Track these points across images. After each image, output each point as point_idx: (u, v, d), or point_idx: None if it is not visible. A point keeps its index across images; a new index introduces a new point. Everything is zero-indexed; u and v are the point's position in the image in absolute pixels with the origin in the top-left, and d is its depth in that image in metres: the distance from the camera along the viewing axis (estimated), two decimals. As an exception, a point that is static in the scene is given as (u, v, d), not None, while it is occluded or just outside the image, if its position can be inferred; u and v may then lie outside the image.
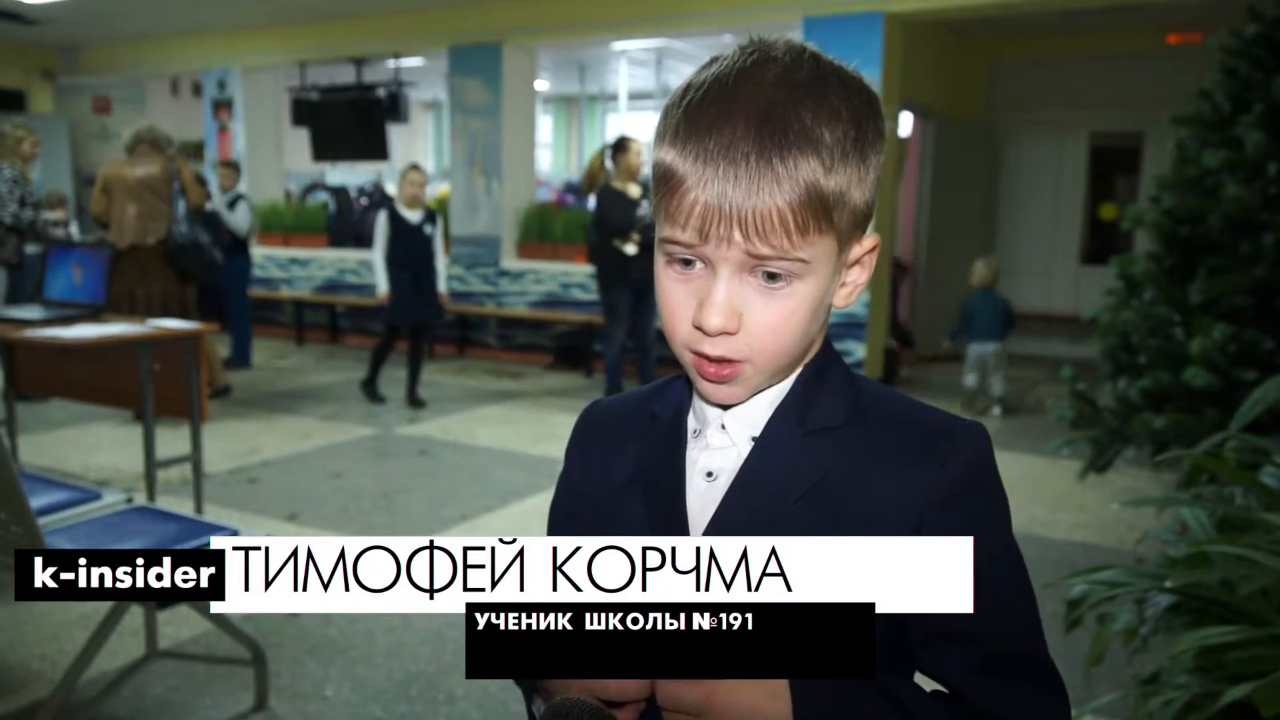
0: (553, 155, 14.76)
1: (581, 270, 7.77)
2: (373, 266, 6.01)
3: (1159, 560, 1.84)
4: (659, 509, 0.78)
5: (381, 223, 5.86)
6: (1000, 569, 0.74)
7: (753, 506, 0.74)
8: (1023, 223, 8.78)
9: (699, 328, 0.70)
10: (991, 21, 7.60)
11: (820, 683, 0.69)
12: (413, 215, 5.87)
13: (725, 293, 0.69)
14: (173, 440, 4.19)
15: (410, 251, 5.85)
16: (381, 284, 5.88)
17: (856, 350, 6.63)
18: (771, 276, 0.69)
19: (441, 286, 6.04)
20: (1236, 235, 3.12)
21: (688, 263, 0.71)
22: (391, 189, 11.69)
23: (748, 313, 0.70)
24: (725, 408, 0.77)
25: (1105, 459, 3.39)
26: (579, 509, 0.87)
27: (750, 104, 0.68)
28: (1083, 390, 3.50)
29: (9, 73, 10.50)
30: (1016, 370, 8.08)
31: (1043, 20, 7.50)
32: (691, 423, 0.80)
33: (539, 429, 5.53)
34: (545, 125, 14.26)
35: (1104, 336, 3.53)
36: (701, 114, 0.69)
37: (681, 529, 0.76)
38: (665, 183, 0.70)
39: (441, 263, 6.02)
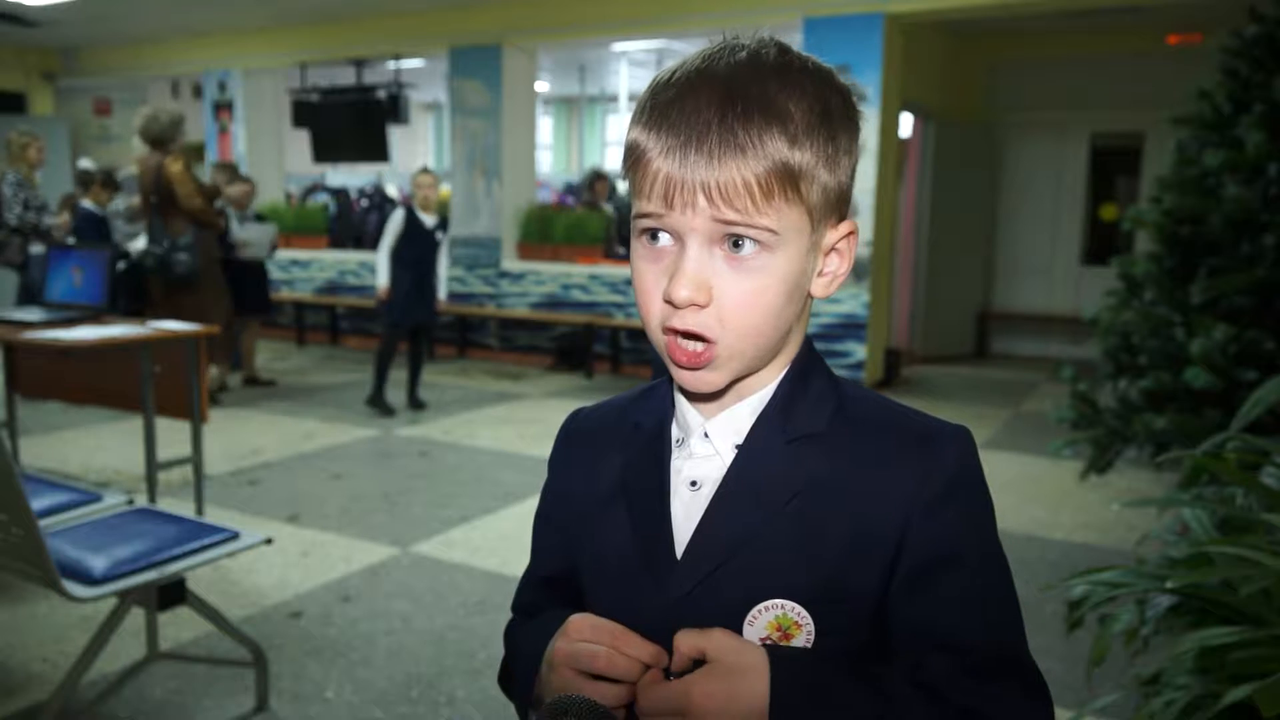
0: (553, 156, 14.77)
1: (581, 271, 7.77)
2: (375, 262, 6.00)
3: (1160, 561, 1.84)
4: (643, 519, 0.77)
5: (396, 220, 5.84)
6: (985, 572, 0.73)
7: (737, 515, 0.73)
8: (1023, 223, 8.78)
9: (669, 301, 0.69)
10: (991, 22, 7.61)
11: (800, 661, 0.69)
12: (429, 219, 5.87)
13: (694, 264, 0.68)
14: (173, 442, 4.19)
15: (419, 254, 5.84)
16: (382, 278, 5.85)
17: (857, 351, 6.63)
18: (738, 244, 0.68)
19: (442, 293, 6.03)
20: (1237, 236, 3.11)
21: (655, 236, 0.71)
22: (392, 191, 11.72)
23: (718, 286, 0.69)
24: (707, 400, 0.76)
25: (1106, 460, 3.39)
26: (563, 519, 0.86)
27: (715, 79, 0.68)
28: (1083, 391, 3.49)
29: (9, 74, 10.50)
30: (1017, 370, 8.08)
31: (1043, 21, 7.50)
32: (675, 432, 0.79)
33: (540, 430, 5.53)
34: (545, 126, 14.27)
35: (1104, 337, 3.52)
36: (667, 91, 0.69)
37: (666, 539, 0.75)
38: (630, 157, 0.71)
39: (444, 267, 6.02)
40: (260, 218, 7.17)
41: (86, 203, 6.04)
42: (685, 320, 0.69)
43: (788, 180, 0.68)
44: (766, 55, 0.70)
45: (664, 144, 0.68)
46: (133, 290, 5.77)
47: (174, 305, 5.46)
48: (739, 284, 0.69)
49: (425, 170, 5.97)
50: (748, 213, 0.67)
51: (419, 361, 6.17)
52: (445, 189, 9.31)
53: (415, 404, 6.14)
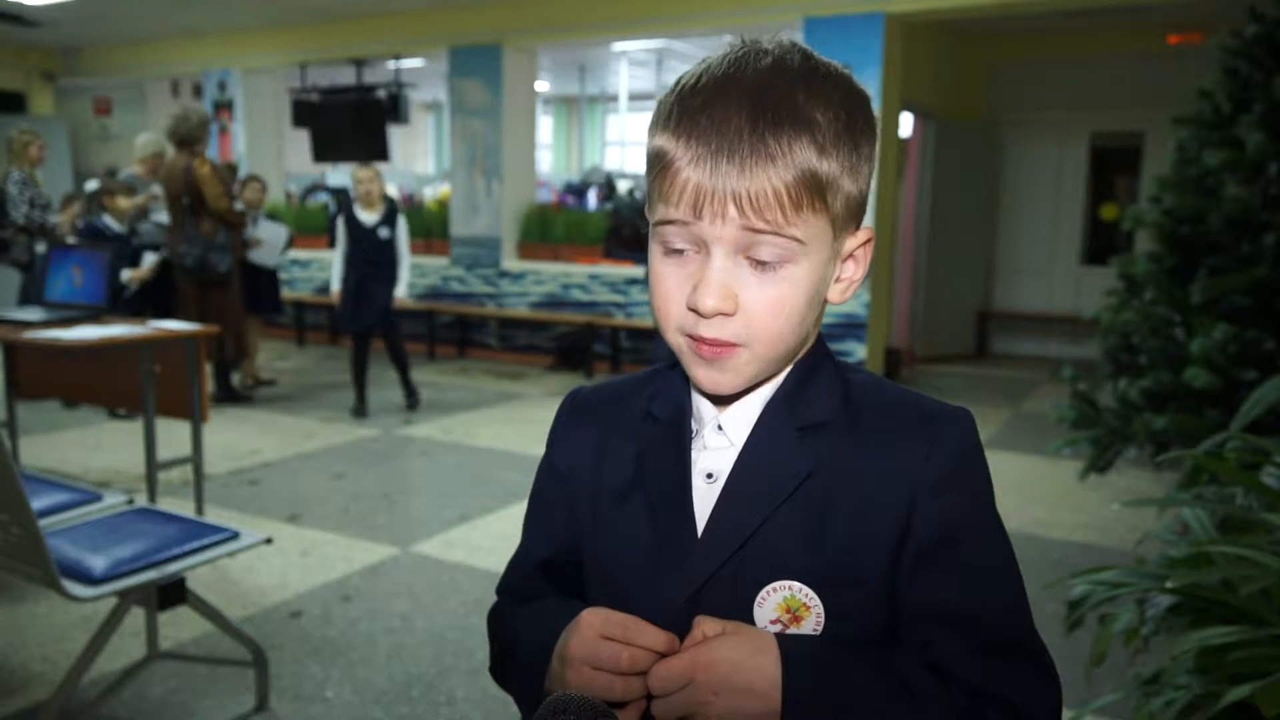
0: (553, 156, 14.77)
1: (581, 271, 7.77)
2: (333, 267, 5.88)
3: (1160, 561, 1.84)
4: (665, 513, 0.77)
5: (340, 223, 5.74)
6: (989, 550, 0.74)
7: (747, 504, 0.74)
8: (1023, 223, 8.78)
9: (694, 310, 0.69)
10: (991, 22, 7.60)
11: (808, 638, 0.70)
12: (368, 216, 5.66)
13: (720, 273, 0.69)
14: (174, 441, 4.19)
15: (360, 254, 5.65)
16: (333, 283, 5.76)
17: (857, 351, 6.63)
18: (766, 260, 0.69)
19: (400, 291, 5.78)
20: (1237, 235, 3.11)
21: (679, 249, 0.71)
22: (392, 190, 11.73)
23: (744, 295, 0.69)
24: (723, 401, 0.77)
25: (1106, 459, 3.39)
26: (565, 497, 0.85)
27: (743, 86, 0.68)
28: (1083, 390, 3.49)
29: (9, 74, 10.50)
30: (1017, 370, 8.08)
31: (1043, 20, 7.50)
32: (691, 425, 0.80)
33: (540, 430, 5.49)
34: (545, 126, 14.27)
35: (1104, 337, 3.52)
36: (694, 97, 0.69)
37: (691, 535, 0.75)
38: (657, 164, 0.70)
39: (404, 266, 5.78)
40: (272, 217, 7.12)
41: (108, 220, 5.56)
42: (712, 328, 0.70)
43: (815, 190, 0.68)
44: (792, 61, 0.70)
45: (694, 152, 0.68)
46: (161, 290, 5.75)
47: (206, 305, 5.48)
48: (765, 293, 0.69)
49: (363, 165, 5.79)
50: (777, 223, 0.67)
51: (400, 361, 5.99)
52: (445, 188, 9.30)
53: (409, 403, 6.08)
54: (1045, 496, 4.48)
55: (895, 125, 6.82)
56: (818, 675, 0.67)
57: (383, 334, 5.88)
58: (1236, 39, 3.29)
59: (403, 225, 5.80)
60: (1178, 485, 2.29)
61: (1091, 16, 7.14)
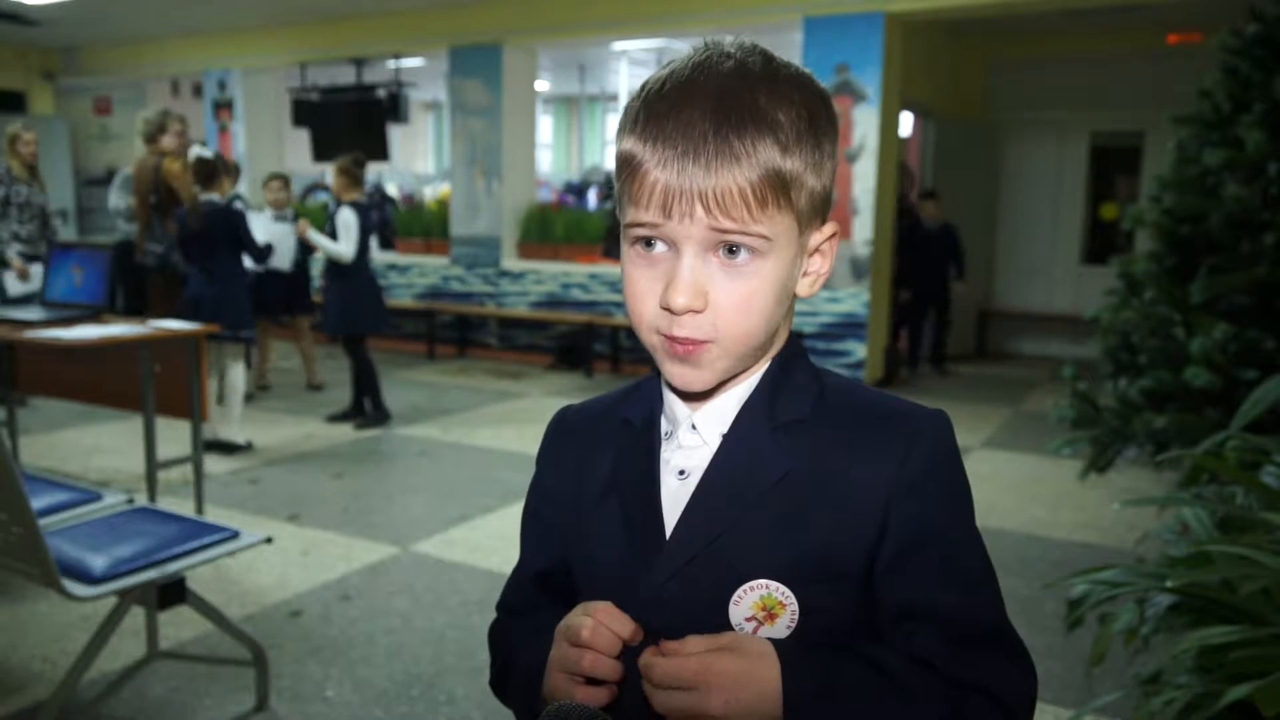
0: (553, 156, 14.76)
1: (581, 270, 7.77)
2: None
3: (1160, 560, 1.84)
4: (634, 510, 0.79)
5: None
6: (965, 548, 0.76)
7: (720, 503, 0.75)
8: (1023, 223, 8.78)
9: (666, 309, 0.71)
10: (991, 21, 7.60)
11: (805, 648, 0.71)
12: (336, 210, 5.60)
13: (690, 272, 0.70)
14: (174, 441, 4.19)
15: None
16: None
17: (857, 350, 6.63)
18: (734, 252, 0.71)
19: (313, 233, 5.53)
20: (1237, 235, 3.11)
21: (650, 244, 0.72)
22: (392, 190, 11.73)
23: (714, 292, 0.71)
24: (695, 396, 0.78)
25: (1106, 459, 3.39)
26: (553, 514, 0.88)
27: (706, 90, 0.70)
28: (1083, 390, 3.49)
29: (10, 74, 10.50)
30: (1017, 369, 8.08)
31: (1043, 20, 7.50)
32: (664, 425, 0.81)
33: (539, 430, 5.46)
34: (545, 125, 14.27)
35: (1104, 336, 3.53)
36: (660, 101, 0.71)
37: (657, 530, 0.77)
38: (625, 167, 0.72)
39: (333, 245, 5.43)
40: (297, 216, 6.91)
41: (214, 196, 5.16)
42: (683, 326, 0.71)
43: (780, 188, 0.70)
44: (753, 65, 0.72)
45: (661, 155, 0.69)
46: (132, 288, 5.72)
47: (172, 302, 5.47)
48: (734, 288, 0.71)
49: (336, 159, 5.68)
50: (743, 221, 0.69)
51: (357, 374, 5.63)
52: (445, 188, 9.30)
53: (357, 422, 5.64)
54: (1045, 496, 4.48)
55: (895, 124, 6.81)
56: (817, 679, 0.69)
57: (343, 342, 5.58)
58: (1236, 39, 3.29)
59: (345, 216, 5.38)
60: (1178, 485, 2.29)
61: (1091, 16, 7.14)
